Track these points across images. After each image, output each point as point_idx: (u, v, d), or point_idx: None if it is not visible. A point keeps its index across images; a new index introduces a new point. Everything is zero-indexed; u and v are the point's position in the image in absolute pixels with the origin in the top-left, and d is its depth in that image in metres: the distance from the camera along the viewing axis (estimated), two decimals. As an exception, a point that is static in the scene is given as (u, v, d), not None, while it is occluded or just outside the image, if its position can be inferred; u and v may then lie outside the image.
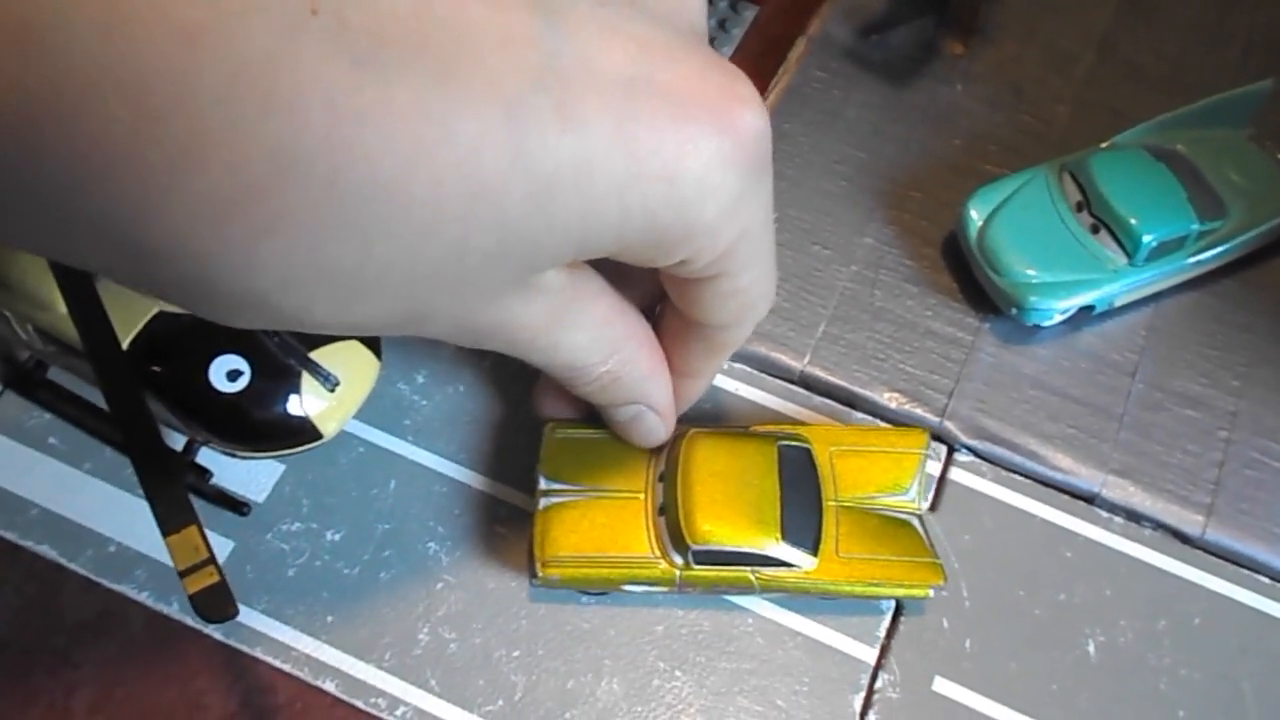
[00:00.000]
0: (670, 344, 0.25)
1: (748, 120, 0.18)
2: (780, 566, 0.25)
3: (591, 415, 0.27)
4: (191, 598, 0.19)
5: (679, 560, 0.25)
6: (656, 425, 0.26)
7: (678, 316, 0.24)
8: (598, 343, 0.22)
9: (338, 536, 0.27)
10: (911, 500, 0.27)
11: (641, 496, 0.27)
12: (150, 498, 0.19)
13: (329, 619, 0.26)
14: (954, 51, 0.37)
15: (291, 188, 0.15)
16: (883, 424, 0.30)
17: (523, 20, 0.16)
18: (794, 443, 0.27)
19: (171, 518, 0.18)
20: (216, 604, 0.18)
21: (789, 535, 0.25)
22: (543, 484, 0.27)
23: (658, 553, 0.26)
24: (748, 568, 0.25)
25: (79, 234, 0.15)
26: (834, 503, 0.27)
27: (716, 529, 0.25)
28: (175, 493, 0.19)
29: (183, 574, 0.19)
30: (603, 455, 0.27)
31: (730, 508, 0.25)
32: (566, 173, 0.16)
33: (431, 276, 0.17)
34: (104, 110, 0.13)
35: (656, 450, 0.27)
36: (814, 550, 0.26)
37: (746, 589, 0.26)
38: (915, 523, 0.27)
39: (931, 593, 0.26)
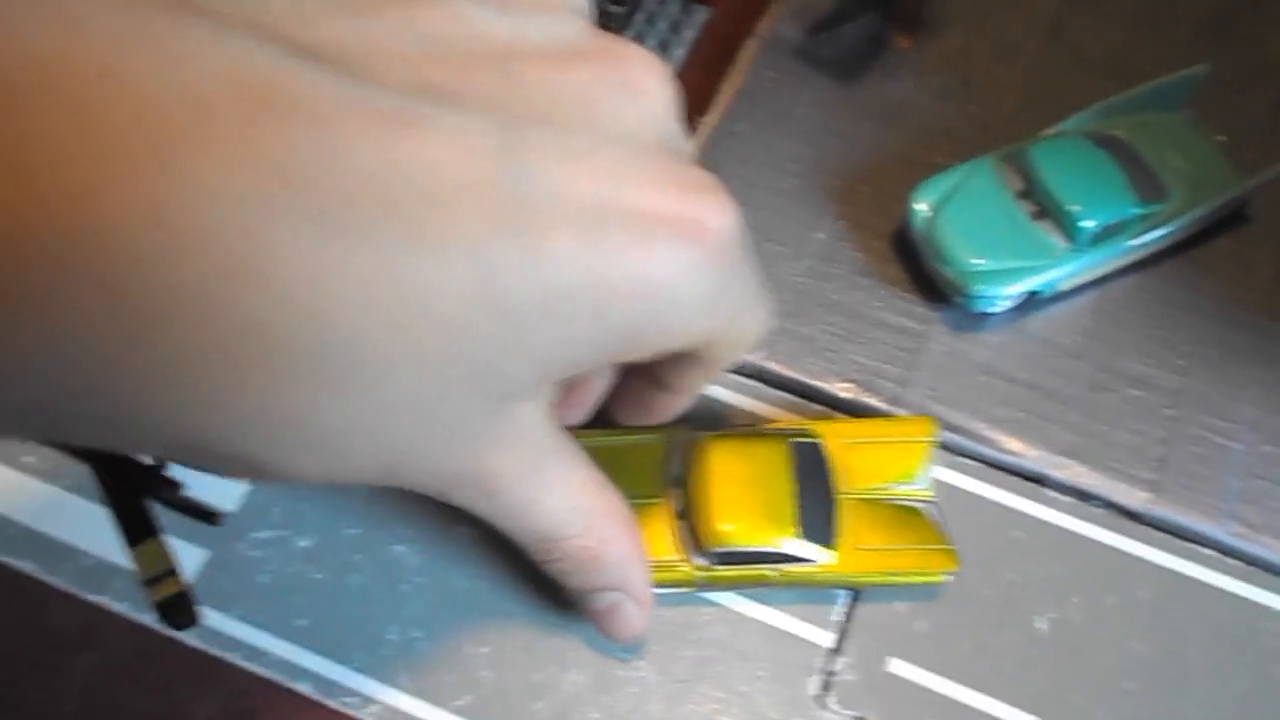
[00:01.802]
0: (660, 365, 0.25)
1: (714, 224, 0.18)
2: (799, 563, 0.26)
3: (600, 422, 0.27)
4: (156, 605, 0.19)
5: (701, 562, 0.26)
6: (635, 616, 0.25)
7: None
8: (575, 513, 0.22)
9: (308, 543, 0.28)
10: (922, 488, 0.28)
11: (661, 500, 0.27)
12: (115, 511, 0.20)
13: (301, 623, 0.27)
14: (902, 45, 0.38)
15: (254, 353, 0.15)
16: (892, 414, 0.30)
17: (485, 161, 0.16)
18: (804, 439, 0.28)
19: (136, 530, 0.19)
20: (180, 611, 0.19)
21: (805, 531, 0.26)
22: None
23: (680, 556, 0.27)
24: (768, 565, 0.26)
25: (35, 416, 0.15)
26: (846, 495, 0.27)
27: (734, 531, 0.26)
28: (138, 506, 0.20)
29: (148, 583, 0.19)
30: (620, 461, 0.27)
31: (746, 509, 0.26)
32: (536, 305, 0.17)
33: (415, 425, 0.18)
34: (66, 295, 0.14)
35: (669, 452, 0.28)
36: (831, 544, 0.27)
37: (766, 585, 0.27)
38: (927, 510, 0.28)
39: (946, 578, 0.27)
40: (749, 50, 0.38)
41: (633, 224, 0.17)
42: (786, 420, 0.30)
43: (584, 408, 0.26)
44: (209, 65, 0.14)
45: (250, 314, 0.15)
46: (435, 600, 0.27)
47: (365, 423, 0.17)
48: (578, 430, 0.27)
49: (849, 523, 0.27)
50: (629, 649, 0.27)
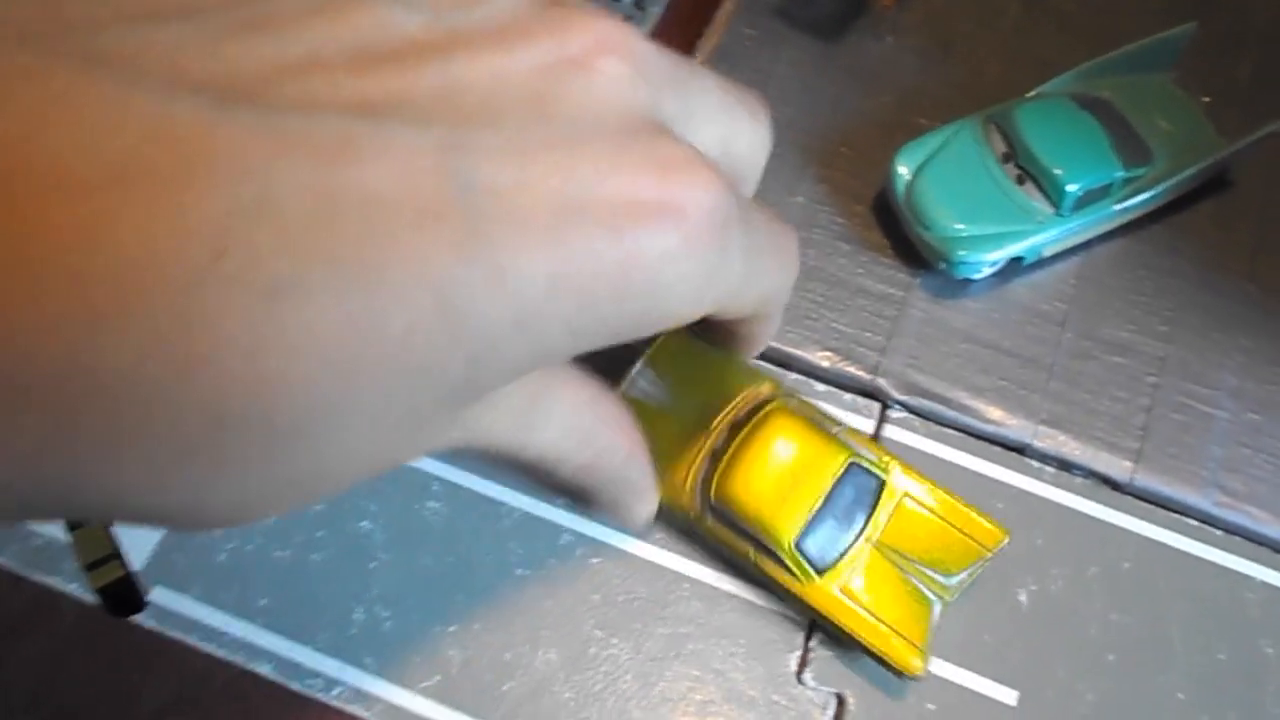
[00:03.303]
0: (718, 326, 0.24)
1: (691, 203, 0.17)
2: (779, 565, 0.25)
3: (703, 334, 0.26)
4: (98, 591, 0.18)
5: (698, 504, 0.26)
6: (639, 508, 0.24)
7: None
8: (570, 438, 0.21)
9: (269, 521, 0.27)
10: (950, 586, 0.26)
11: (706, 429, 0.27)
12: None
13: (262, 602, 0.26)
14: (883, 6, 0.37)
15: (224, 441, 0.14)
16: (974, 510, 0.27)
17: (431, 179, 0.15)
18: (870, 468, 0.26)
19: (75, 512, 0.18)
20: (122, 598, 0.18)
21: (804, 545, 0.25)
22: (639, 367, 0.27)
23: (687, 488, 0.26)
24: (751, 546, 0.26)
25: (24, 513, 0.14)
26: (872, 542, 0.26)
27: (742, 497, 0.25)
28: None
29: (88, 568, 0.18)
30: (705, 376, 0.26)
31: (767, 487, 0.25)
32: (504, 325, 0.16)
33: (387, 446, 0.16)
34: (9, 417, 0.13)
35: (750, 394, 0.27)
36: (820, 571, 0.25)
37: (744, 563, 0.26)
38: (935, 607, 0.26)
39: (902, 676, 0.25)
40: (727, 8, 0.37)
41: (599, 219, 0.16)
42: (881, 449, 0.27)
43: None
44: (125, 128, 0.13)
45: (197, 400, 0.13)
46: (402, 578, 0.26)
47: (337, 468, 0.16)
48: (682, 332, 0.26)
49: (855, 567, 0.26)
50: (603, 624, 0.26)
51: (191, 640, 0.25)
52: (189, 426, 0.14)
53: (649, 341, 0.28)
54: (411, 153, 0.15)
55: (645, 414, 0.25)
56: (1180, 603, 0.27)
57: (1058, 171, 0.30)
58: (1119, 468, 0.29)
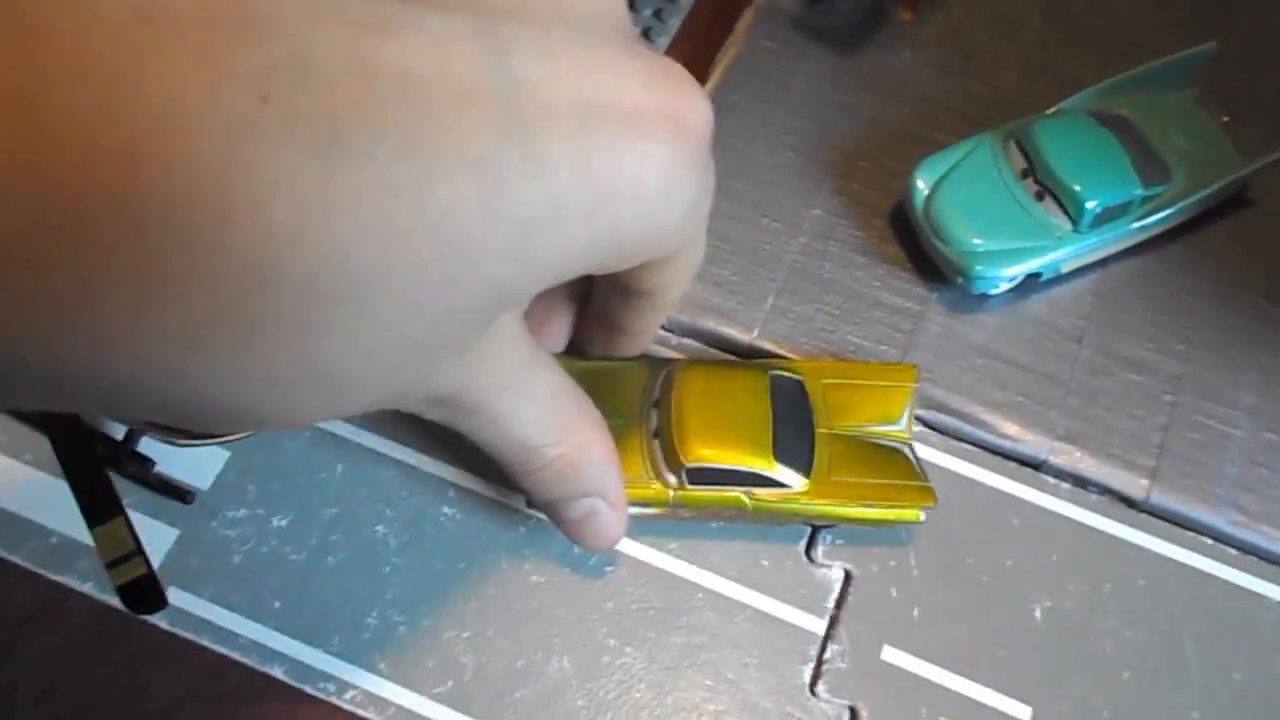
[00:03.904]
0: (613, 309, 0.25)
1: (695, 117, 0.18)
2: (773, 487, 0.26)
3: (578, 348, 0.27)
4: (119, 589, 0.18)
5: (673, 480, 0.26)
6: (612, 522, 0.24)
7: (617, 288, 0.23)
8: (554, 418, 0.22)
9: (284, 522, 0.27)
10: (901, 429, 0.28)
11: (636, 422, 0.27)
12: (75, 491, 0.19)
13: (276, 605, 0.26)
14: (902, 18, 0.37)
15: (264, 301, 0.14)
16: (876, 364, 0.29)
17: (473, 68, 0.15)
18: (786, 373, 0.28)
19: (97, 510, 0.18)
20: (144, 595, 0.18)
21: (781, 456, 0.26)
22: None
23: (651, 474, 0.26)
24: (740, 488, 0.26)
25: (44, 389, 0.14)
26: (825, 430, 0.27)
27: (710, 449, 0.26)
28: (100, 485, 0.19)
29: (109, 566, 0.18)
30: (599, 384, 0.27)
31: (723, 429, 0.26)
32: (540, 215, 0.16)
33: (417, 350, 0.17)
34: (42, 259, 0.12)
35: (651, 379, 0.28)
36: (806, 472, 0.26)
37: (739, 511, 0.26)
38: (905, 450, 0.28)
39: (922, 515, 0.27)
40: (746, 20, 0.37)
41: (620, 123, 0.16)
42: (774, 357, 0.29)
43: (555, 339, 0.26)
44: None
45: (240, 251, 0.13)
46: (416, 583, 0.26)
47: (369, 358, 0.16)
48: (562, 356, 0.27)
49: (826, 455, 0.27)
50: (616, 633, 0.26)
51: (204, 641, 0.25)
52: (229, 280, 0.13)
53: None
54: (447, 35, 0.15)
55: None
56: (1195, 621, 0.27)
57: (1077, 188, 0.30)
58: (1135, 485, 0.29)
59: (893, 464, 0.27)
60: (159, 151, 0.12)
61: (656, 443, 0.26)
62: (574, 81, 0.16)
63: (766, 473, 0.26)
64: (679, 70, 0.18)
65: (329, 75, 0.13)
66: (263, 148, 0.13)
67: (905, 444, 0.28)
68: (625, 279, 0.22)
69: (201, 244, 0.13)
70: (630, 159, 0.17)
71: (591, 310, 0.26)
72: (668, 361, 0.28)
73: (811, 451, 0.27)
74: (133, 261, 0.13)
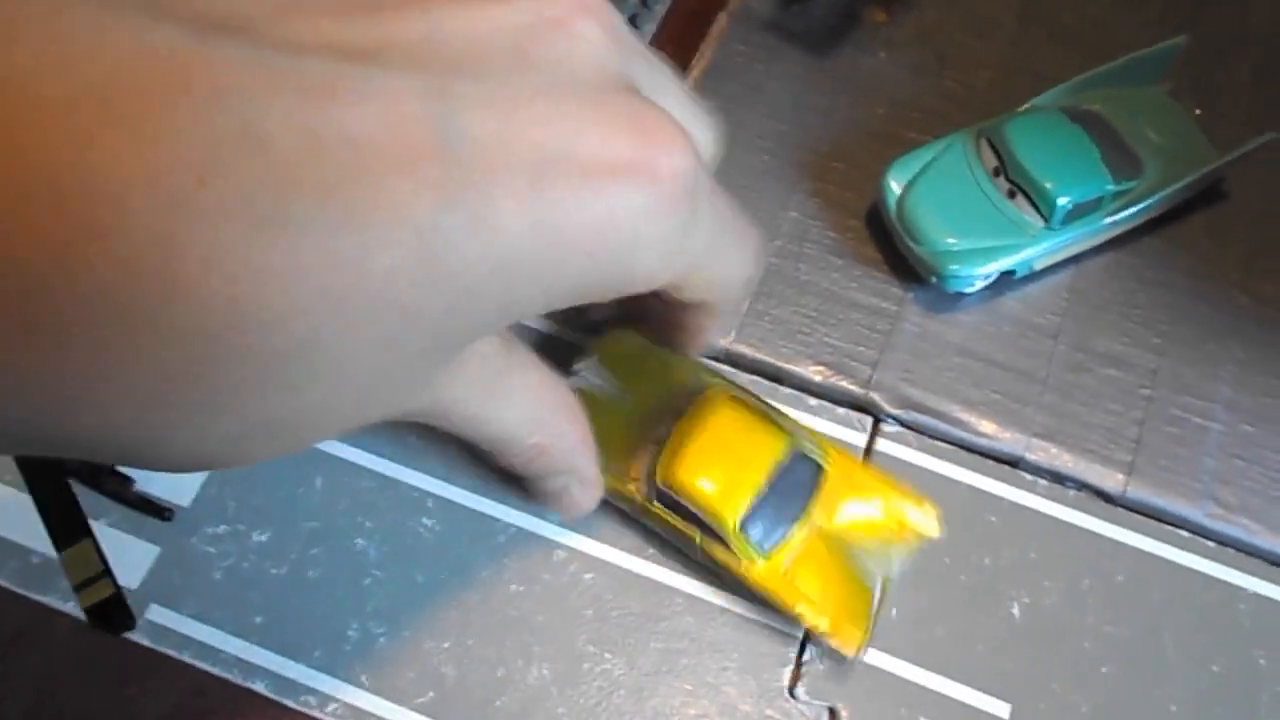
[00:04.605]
0: (653, 310, 0.25)
1: (667, 163, 0.17)
2: (724, 547, 0.25)
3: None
4: (86, 611, 0.18)
5: (644, 490, 0.26)
6: (582, 496, 0.25)
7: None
8: (529, 419, 0.22)
9: (264, 537, 0.27)
10: (891, 565, 0.27)
11: (654, 424, 0.27)
12: (42, 514, 0.19)
13: (258, 620, 0.26)
14: (876, 19, 0.37)
15: (207, 368, 0.14)
16: (909, 494, 0.27)
17: (421, 130, 0.15)
18: (810, 454, 0.27)
19: (65, 533, 0.18)
20: (112, 616, 0.18)
21: (748, 527, 0.25)
22: (587, 360, 0.28)
23: (635, 475, 0.26)
24: (697, 529, 0.26)
25: (7, 442, 0.15)
26: (813, 525, 0.26)
27: (685, 481, 0.25)
28: (68, 507, 0.19)
29: (77, 588, 0.18)
30: (651, 370, 0.27)
31: (713, 470, 0.25)
32: (482, 271, 0.16)
33: (367, 393, 0.17)
34: None
35: (689, 387, 0.27)
36: (763, 554, 0.25)
37: (689, 547, 0.26)
38: (875, 590, 0.26)
39: (833, 647, 0.26)
40: (720, 24, 0.37)
41: (577, 173, 0.16)
42: (818, 433, 0.28)
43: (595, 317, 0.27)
44: (104, 51, 0.13)
45: (180, 325, 0.13)
46: (396, 595, 0.26)
47: (322, 406, 0.16)
48: (626, 328, 0.27)
49: (796, 549, 0.26)
50: (596, 640, 0.26)
51: (187, 657, 0.25)
52: (173, 352, 0.14)
53: (597, 335, 0.28)
54: (396, 97, 0.15)
55: (593, 405, 0.26)
56: (1174, 614, 0.27)
57: (1048, 185, 0.30)
58: (1112, 480, 0.29)
59: (851, 597, 0.26)
60: (102, 234, 0.13)
61: (652, 449, 0.26)
62: (529, 136, 0.16)
63: (722, 533, 0.25)
64: (654, 116, 0.17)
65: (273, 148, 0.14)
66: (200, 227, 0.13)
67: (880, 579, 0.26)
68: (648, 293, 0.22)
69: (143, 320, 0.13)
70: (589, 212, 0.16)
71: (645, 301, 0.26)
72: (715, 378, 0.28)
73: (782, 540, 0.26)
74: (82, 337, 0.13)
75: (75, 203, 0.13)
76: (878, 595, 0.26)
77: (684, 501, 0.25)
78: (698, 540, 0.26)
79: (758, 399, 0.27)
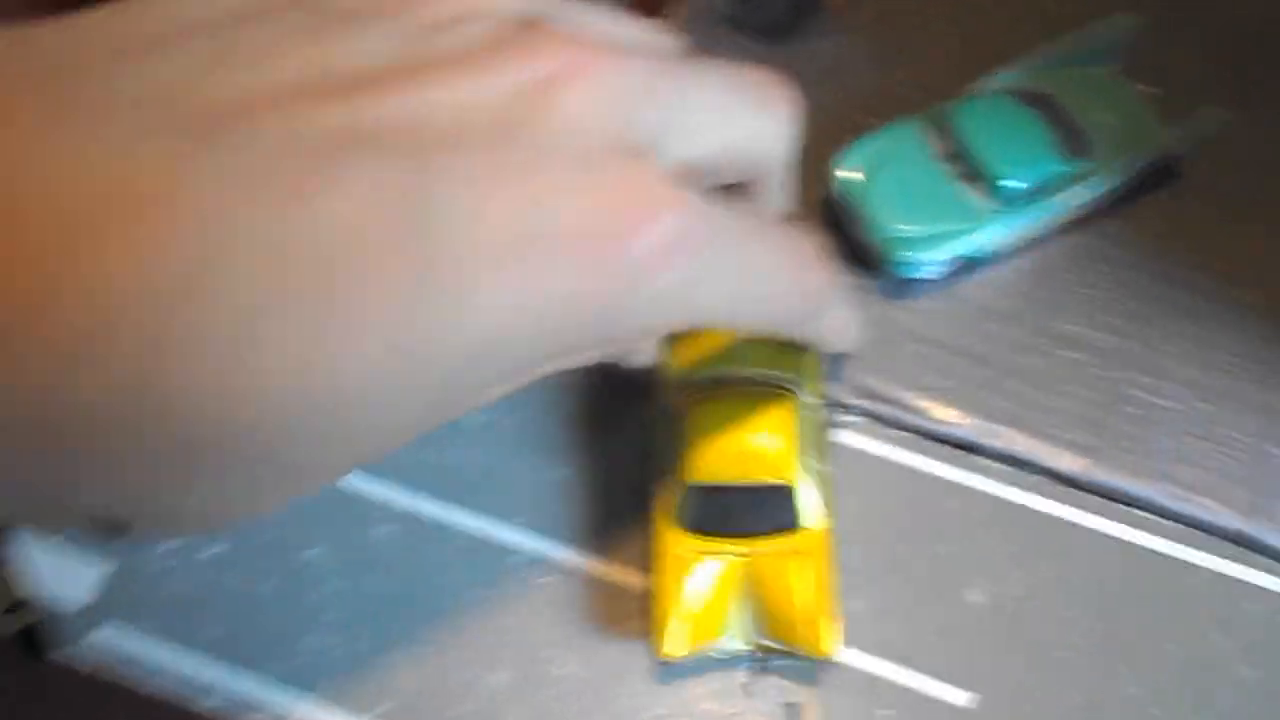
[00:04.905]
0: None
1: (655, 230, 0.17)
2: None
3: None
4: (11, 636, 0.18)
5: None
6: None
7: None
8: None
9: (219, 550, 0.27)
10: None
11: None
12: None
13: (213, 634, 0.26)
14: (835, 4, 0.37)
15: (196, 457, 0.15)
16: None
17: (394, 216, 0.15)
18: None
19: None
20: (35, 640, 0.18)
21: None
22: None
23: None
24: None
25: None
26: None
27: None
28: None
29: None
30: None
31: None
32: (470, 358, 0.16)
33: (378, 452, 0.17)
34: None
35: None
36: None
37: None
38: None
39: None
40: (675, 17, 0.36)
41: (559, 247, 0.16)
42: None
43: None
44: (91, 171, 0.14)
45: (163, 425, 0.14)
46: (352, 605, 0.26)
47: (306, 480, 0.17)
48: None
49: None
50: (555, 643, 0.26)
51: (142, 674, 0.25)
52: (161, 446, 0.14)
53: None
54: (372, 186, 0.15)
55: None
56: (1133, 597, 0.27)
57: (998, 168, 0.30)
58: (1073, 464, 0.29)
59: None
60: (91, 345, 0.14)
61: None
62: (508, 213, 0.16)
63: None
64: (643, 182, 0.17)
65: (252, 255, 0.14)
66: (185, 335, 0.14)
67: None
68: None
69: (130, 425, 0.14)
70: (572, 285, 0.16)
71: None
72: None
73: None
74: (73, 441, 0.14)
75: (63, 318, 0.13)
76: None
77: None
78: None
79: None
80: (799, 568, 0.25)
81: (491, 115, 0.16)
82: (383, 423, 0.16)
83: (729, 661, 0.26)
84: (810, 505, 0.26)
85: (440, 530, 0.27)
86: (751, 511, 0.26)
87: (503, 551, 0.27)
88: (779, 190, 0.22)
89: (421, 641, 0.26)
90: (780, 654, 0.26)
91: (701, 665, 0.26)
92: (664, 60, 0.18)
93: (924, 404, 0.29)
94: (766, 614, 0.25)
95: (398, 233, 0.15)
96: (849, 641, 0.26)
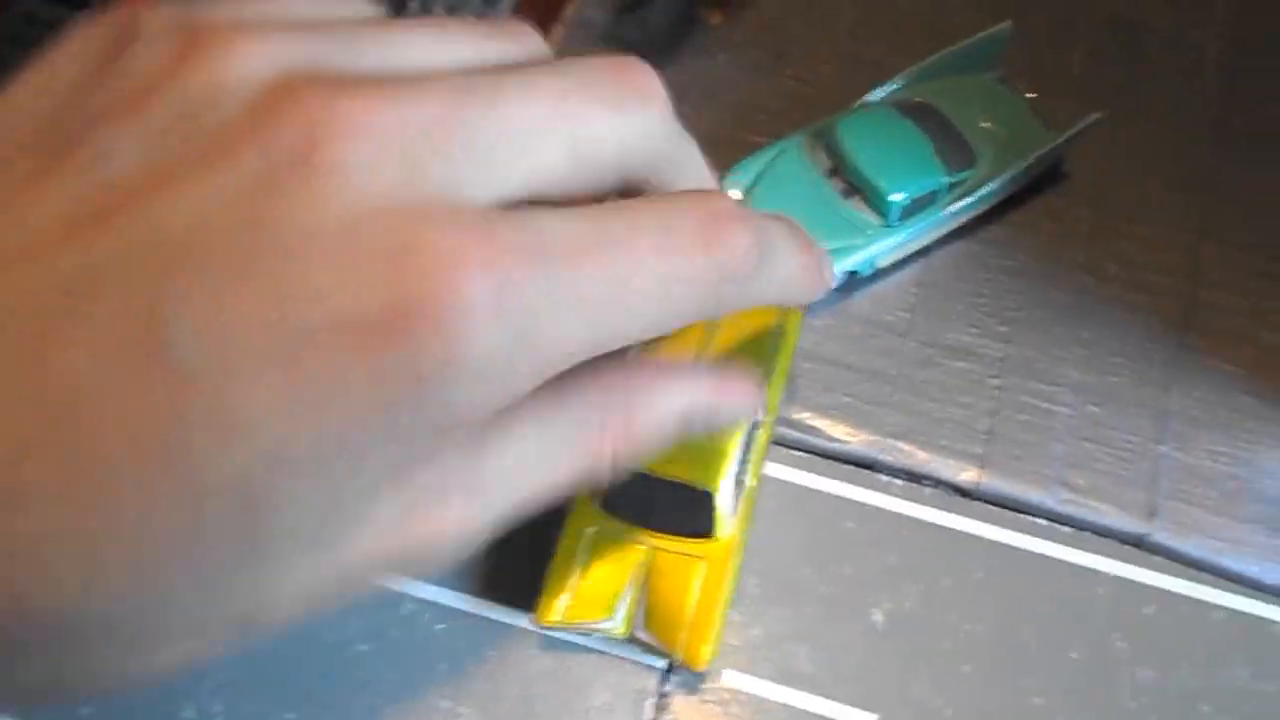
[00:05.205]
0: None
1: (442, 297, 0.15)
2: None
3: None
4: None
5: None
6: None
7: None
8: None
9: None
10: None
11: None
12: None
13: (84, 710, 0.24)
14: (713, 22, 0.37)
15: None
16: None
17: (139, 350, 0.14)
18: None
19: None
20: None
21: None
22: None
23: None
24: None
25: None
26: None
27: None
28: None
29: None
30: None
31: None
32: (259, 474, 0.15)
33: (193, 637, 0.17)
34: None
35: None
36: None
37: None
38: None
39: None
40: (555, 36, 0.36)
41: (329, 341, 0.14)
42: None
43: None
44: None
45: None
46: (236, 666, 0.25)
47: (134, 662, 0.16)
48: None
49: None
50: (452, 696, 0.25)
51: (12, 759, 0.24)
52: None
53: None
54: (113, 323, 0.14)
55: None
56: (1033, 605, 0.27)
57: (881, 183, 0.30)
58: (966, 474, 0.29)
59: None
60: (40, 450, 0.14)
61: None
62: (261, 318, 0.14)
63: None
64: (425, 242, 0.15)
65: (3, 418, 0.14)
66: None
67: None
68: None
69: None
70: (355, 377, 0.14)
71: None
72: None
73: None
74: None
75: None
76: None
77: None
78: None
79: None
80: (700, 572, 0.25)
81: (231, 217, 0.14)
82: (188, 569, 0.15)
83: (633, 698, 0.25)
84: (727, 517, 0.25)
85: (325, 584, 0.26)
86: (669, 509, 0.25)
87: (395, 599, 0.26)
88: (683, 182, 0.20)
89: (311, 701, 0.25)
90: (652, 653, 0.25)
91: (604, 704, 0.25)
92: (460, 90, 0.16)
93: (816, 422, 0.29)
94: (656, 609, 0.25)
95: (145, 368, 0.14)
96: (750, 669, 0.26)
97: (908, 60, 0.33)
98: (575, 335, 0.16)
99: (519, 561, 0.26)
